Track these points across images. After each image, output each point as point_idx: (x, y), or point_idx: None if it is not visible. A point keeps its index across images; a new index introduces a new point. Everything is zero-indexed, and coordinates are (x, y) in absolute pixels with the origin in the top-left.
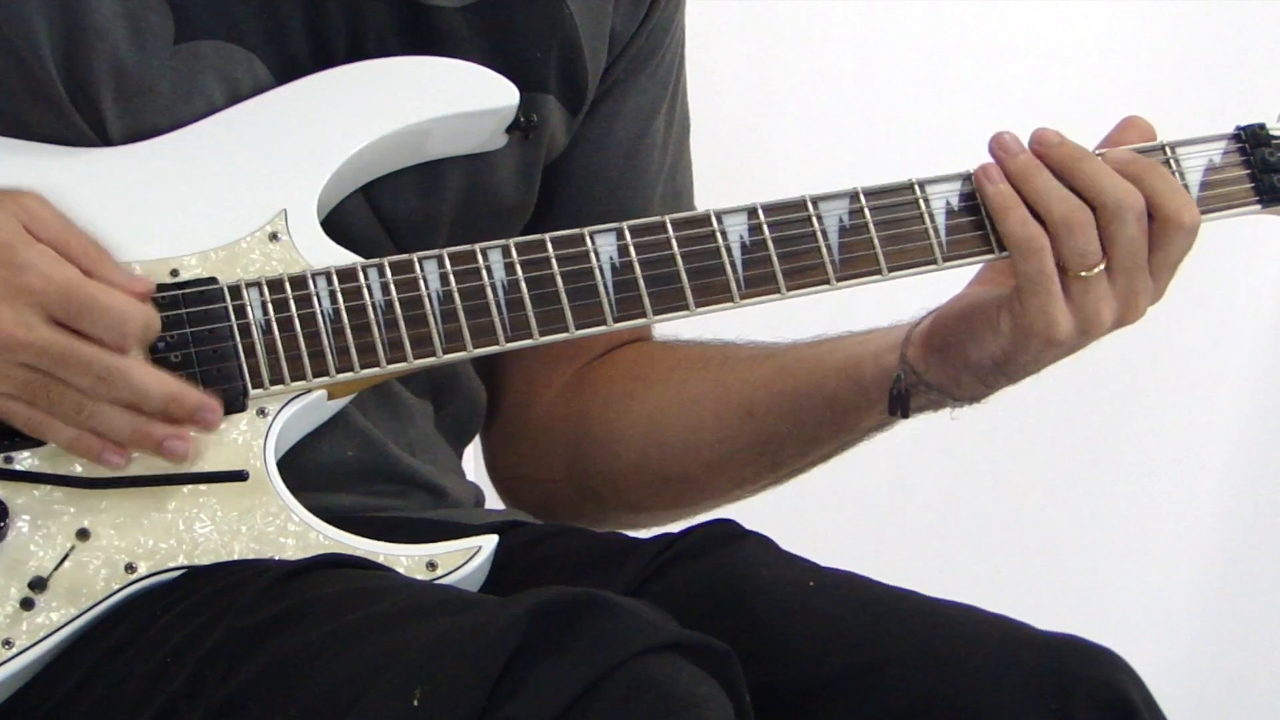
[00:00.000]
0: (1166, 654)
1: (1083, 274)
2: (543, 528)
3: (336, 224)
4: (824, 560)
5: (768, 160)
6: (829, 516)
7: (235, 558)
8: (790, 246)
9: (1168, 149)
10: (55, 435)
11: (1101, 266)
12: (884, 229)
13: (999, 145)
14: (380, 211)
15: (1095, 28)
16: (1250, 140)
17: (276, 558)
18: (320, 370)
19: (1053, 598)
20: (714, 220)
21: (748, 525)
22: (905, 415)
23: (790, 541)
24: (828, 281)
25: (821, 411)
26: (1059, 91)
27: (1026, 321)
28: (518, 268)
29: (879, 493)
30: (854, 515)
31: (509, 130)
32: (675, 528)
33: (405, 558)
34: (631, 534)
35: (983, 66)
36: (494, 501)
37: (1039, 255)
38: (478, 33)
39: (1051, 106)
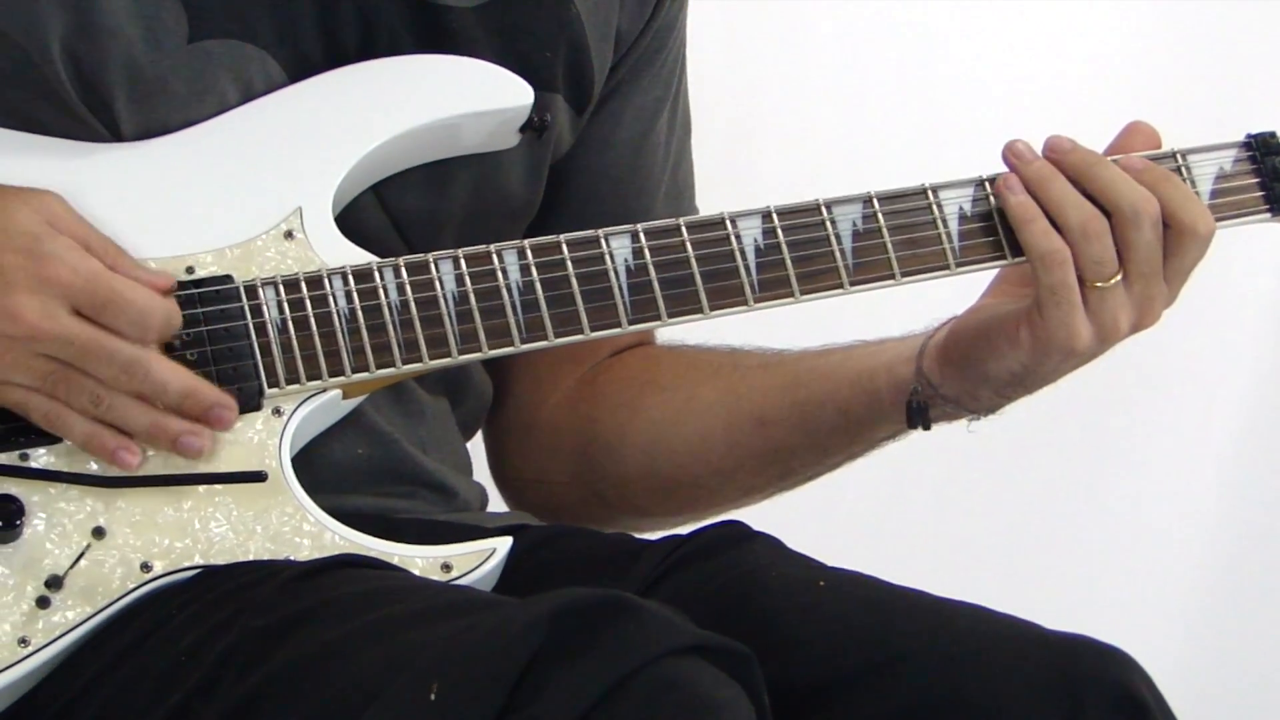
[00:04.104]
0: (1168, 654)
1: (1098, 284)
2: (550, 529)
3: (348, 221)
4: (832, 561)
5: (758, 162)
6: (836, 517)
7: (250, 558)
8: (804, 250)
9: (1179, 156)
10: (71, 430)
11: (1119, 277)
12: (897, 234)
13: (1012, 153)
14: (390, 208)
15: (1095, 29)
16: (1261, 148)
17: (292, 558)
18: (336, 370)
19: (1053, 598)
20: (728, 223)
21: (756, 526)
22: (927, 427)
23: (798, 542)
24: (841, 286)
25: (834, 422)
26: (1058, 95)
27: (1047, 334)
28: (533, 269)
29: (885, 494)
30: (861, 516)
31: (522, 130)
32: (683, 530)
33: (420, 559)
34: (640, 535)
35: (978, 69)
36: (497, 503)
37: (1062, 267)
38: (489, 32)
39: (1050, 110)
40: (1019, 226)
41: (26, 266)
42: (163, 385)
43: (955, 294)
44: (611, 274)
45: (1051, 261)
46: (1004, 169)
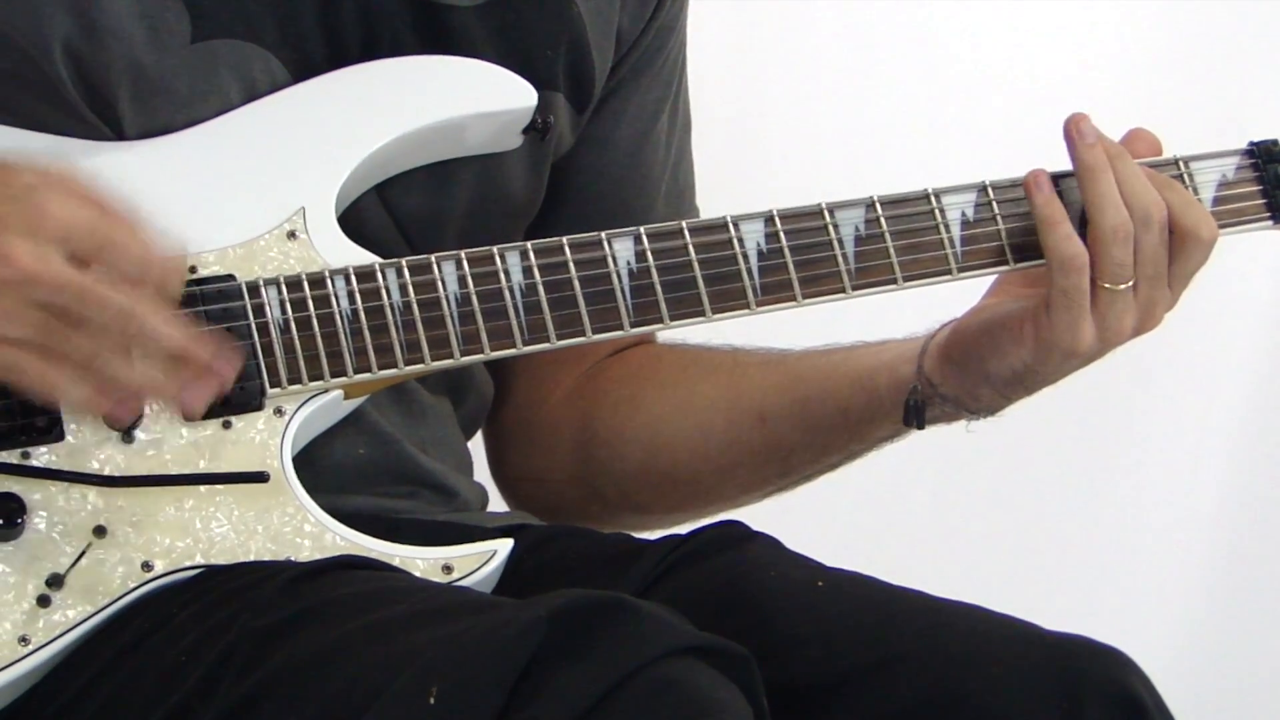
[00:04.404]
0: (1166, 654)
1: (1107, 285)
2: (549, 529)
3: (350, 221)
4: (831, 561)
5: (759, 163)
6: (836, 517)
7: (251, 558)
8: (806, 254)
9: (1181, 163)
10: (65, 391)
11: (1131, 282)
12: (899, 238)
13: (1076, 129)
14: (392, 208)
15: (1100, 34)
16: (1263, 156)
17: (293, 558)
18: (338, 370)
19: (1052, 599)
20: (731, 226)
21: (755, 526)
22: (921, 426)
23: (798, 542)
24: (843, 290)
25: (834, 420)
26: (1062, 98)
27: (1052, 334)
28: (535, 271)
29: (885, 494)
30: (860, 516)
31: (525, 131)
32: (682, 530)
33: (421, 560)
34: (638, 535)
35: (981, 71)
36: (496, 502)
37: (1079, 272)
38: (490, 32)
39: (1054, 113)
40: (1043, 228)
41: (21, 212)
42: (158, 334)
43: (958, 298)
44: (614, 276)
45: (1070, 266)
46: (1005, 174)
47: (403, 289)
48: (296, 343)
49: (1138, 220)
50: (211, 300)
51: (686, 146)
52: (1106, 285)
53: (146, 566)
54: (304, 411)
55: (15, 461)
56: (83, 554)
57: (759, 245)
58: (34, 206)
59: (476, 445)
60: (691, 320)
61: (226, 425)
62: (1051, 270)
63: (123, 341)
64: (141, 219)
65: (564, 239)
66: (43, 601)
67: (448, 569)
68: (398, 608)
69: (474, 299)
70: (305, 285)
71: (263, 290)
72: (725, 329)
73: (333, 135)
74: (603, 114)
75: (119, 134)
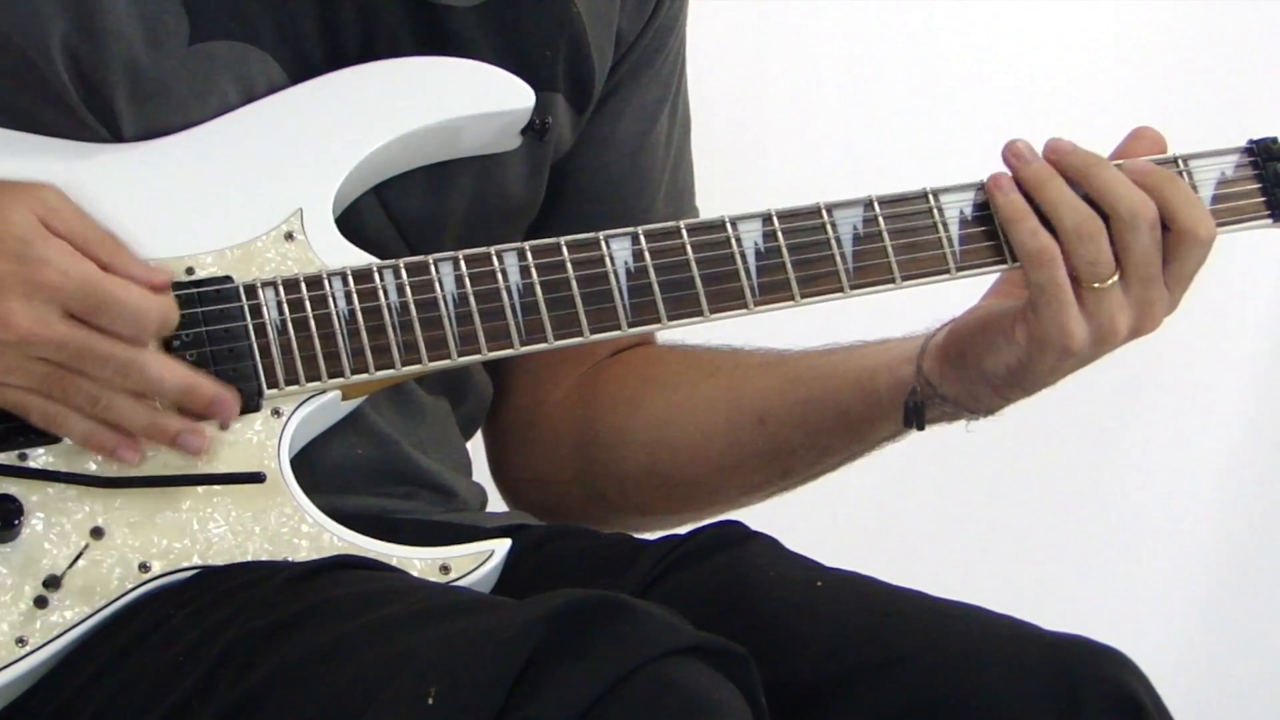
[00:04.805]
0: (1166, 655)
1: (1095, 285)
2: (548, 529)
3: (349, 222)
4: (831, 561)
5: (758, 163)
6: (835, 518)
7: (249, 558)
8: (804, 254)
9: (1180, 161)
10: (70, 429)
11: (1116, 278)
12: (898, 238)
13: (1012, 153)
14: (391, 210)
15: (1099, 33)
16: (1263, 154)
17: (290, 559)
18: (335, 371)
19: (1052, 599)
20: (729, 226)
21: (755, 526)
22: (921, 427)
23: (797, 542)
24: (841, 290)
25: (834, 422)
26: (1061, 97)
27: (1041, 332)
28: (533, 271)
29: (885, 494)
30: (860, 516)
31: (523, 132)
32: (681, 530)
33: (419, 560)
34: (637, 535)
35: (981, 71)
36: (495, 502)
37: (1049, 266)
38: (489, 32)
39: (1053, 112)
40: (1007, 225)
41: (18, 272)
42: (160, 383)
43: (960, 297)
44: (611, 276)
45: (1038, 260)
46: (1004, 174)
47: (400, 290)
48: (294, 344)
49: (1123, 220)
50: (209, 301)
51: (686, 147)
52: (1094, 285)
53: (144, 567)
54: (301, 412)
55: (13, 463)
56: (80, 555)
57: (757, 245)
58: (31, 266)
59: (476, 445)
60: (689, 320)
61: (224, 426)
62: (1023, 267)
63: (125, 389)
64: (131, 251)
65: (561, 239)
66: (40, 603)
67: (445, 569)
68: (395, 608)
69: (471, 299)
70: (302, 286)
71: (260, 291)
72: (724, 329)
73: (330, 136)
74: (602, 114)
75: (117, 135)
